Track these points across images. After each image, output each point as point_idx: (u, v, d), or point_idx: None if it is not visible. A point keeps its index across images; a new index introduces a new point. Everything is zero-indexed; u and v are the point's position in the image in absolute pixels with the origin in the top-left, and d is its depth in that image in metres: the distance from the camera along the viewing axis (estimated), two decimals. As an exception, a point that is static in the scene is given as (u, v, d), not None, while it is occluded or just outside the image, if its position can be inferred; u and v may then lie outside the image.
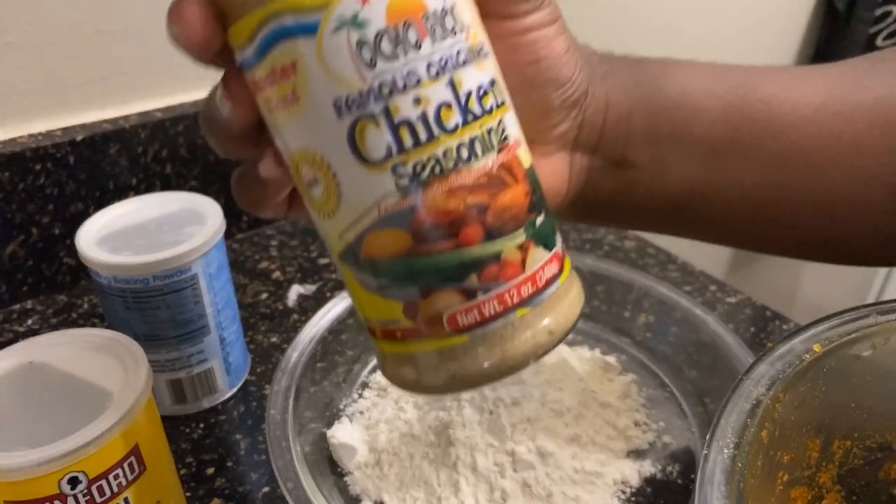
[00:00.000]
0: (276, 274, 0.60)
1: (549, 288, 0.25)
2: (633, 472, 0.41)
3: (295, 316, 0.55)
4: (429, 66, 0.22)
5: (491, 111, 0.24)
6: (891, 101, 0.32)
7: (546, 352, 0.26)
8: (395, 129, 0.22)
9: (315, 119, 0.23)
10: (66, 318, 0.54)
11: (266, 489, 0.41)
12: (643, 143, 0.33)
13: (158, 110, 0.59)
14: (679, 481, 0.41)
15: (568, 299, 0.27)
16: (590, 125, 0.32)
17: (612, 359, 0.49)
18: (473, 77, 0.23)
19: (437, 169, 0.22)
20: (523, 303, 0.24)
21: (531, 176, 0.25)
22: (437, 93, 0.22)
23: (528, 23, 0.28)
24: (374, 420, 0.43)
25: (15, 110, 0.54)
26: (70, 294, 0.57)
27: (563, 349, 0.49)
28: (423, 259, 0.23)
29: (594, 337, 0.52)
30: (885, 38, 1.15)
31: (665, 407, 0.46)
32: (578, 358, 0.49)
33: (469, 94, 0.23)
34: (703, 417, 0.44)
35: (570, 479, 0.39)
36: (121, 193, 0.57)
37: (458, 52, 0.23)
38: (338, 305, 0.47)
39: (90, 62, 0.55)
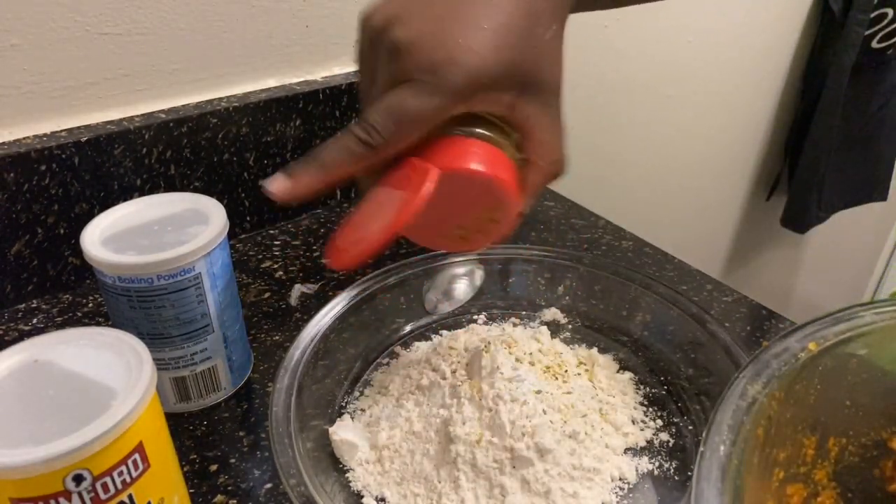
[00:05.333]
0: (279, 273, 0.60)
1: None
2: (631, 469, 0.41)
3: (297, 314, 0.55)
4: None
5: None
6: None
7: None
8: None
9: None
10: (70, 317, 0.55)
11: (269, 485, 0.41)
12: None
13: (162, 112, 0.59)
14: (676, 478, 0.42)
15: None
16: None
17: (609, 357, 0.50)
18: None
19: None
20: None
21: None
22: None
23: None
24: (375, 417, 0.44)
25: (20, 111, 0.54)
26: (75, 293, 0.57)
27: (561, 347, 0.50)
28: None
29: (592, 335, 0.53)
30: (879, 41, 1.15)
31: (662, 404, 0.47)
32: (577, 356, 0.49)
33: None
34: (700, 415, 0.45)
35: (569, 475, 0.39)
36: (125, 194, 0.57)
37: None
38: (339, 304, 0.48)
39: (94, 64, 0.56)
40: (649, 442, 0.44)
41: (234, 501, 0.40)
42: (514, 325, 0.53)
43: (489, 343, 0.45)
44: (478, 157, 0.36)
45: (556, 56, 0.36)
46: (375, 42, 0.35)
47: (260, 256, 0.63)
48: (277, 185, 0.35)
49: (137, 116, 0.58)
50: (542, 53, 0.35)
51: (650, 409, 0.46)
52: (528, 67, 0.34)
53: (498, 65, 0.33)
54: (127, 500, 0.30)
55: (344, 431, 0.42)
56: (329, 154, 0.35)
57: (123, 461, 0.29)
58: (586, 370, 0.48)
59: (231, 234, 0.58)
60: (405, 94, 0.33)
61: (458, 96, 0.33)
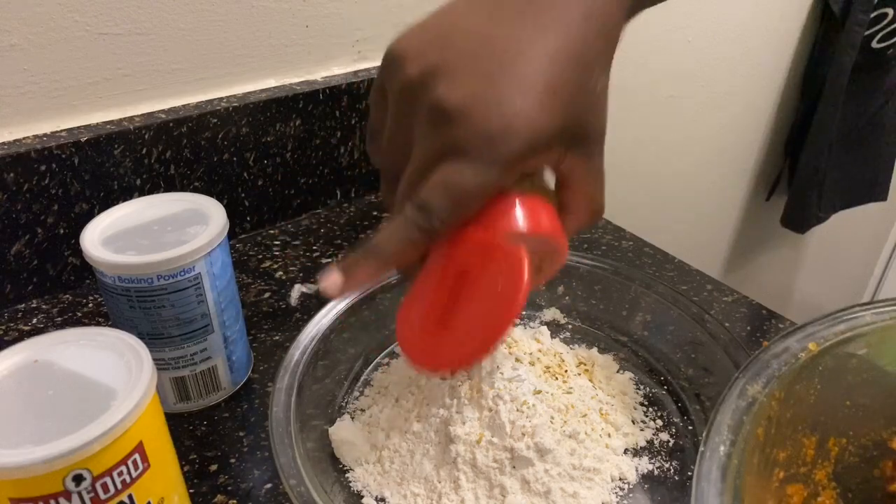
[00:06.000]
0: (279, 273, 0.60)
1: None
2: (631, 469, 0.41)
3: (297, 314, 0.55)
4: None
5: None
6: None
7: None
8: None
9: None
10: (70, 317, 0.55)
11: (269, 486, 0.41)
12: None
13: (162, 112, 0.59)
14: (676, 478, 0.42)
15: None
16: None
17: (609, 357, 0.50)
18: None
19: None
20: None
21: None
22: None
23: None
24: (375, 417, 0.44)
25: (20, 111, 0.54)
26: (75, 293, 0.57)
27: (561, 347, 0.50)
28: None
29: (592, 335, 0.53)
30: (879, 41, 1.15)
31: (662, 405, 0.47)
32: (576, 356, 0.49)
33: None
34: (700, 415, 0.45)
35: (569, 475, 0.39)
36: (125, 194, 0.57)
37: None
38: (339, 304, 0.48)
39: (94, 64, 0.56)
40: (649, 442, 0.44)
41: (234, 501, 0.40)
42: (514, 324, 0.53)
43: (489, 343, 0.45)
44: (536, 217, 0.34)
45: (603, 106, 0.34)
46: (411, 95, 0.32)
47: (260, 256, 0.63)
48: (331, 285, 0.33)
49: (137, 116, 0.58)
50: (591, 106, 0.33)
51: (650, 409, 0.46)
52: (577, 123, 0.32)
53: (552, 127, 0.31)
54: (127, 500, 0.30)
55: (344, 431, 0.42)
56: (387, 245, 0.32)
57: (123, 461, 0.29)
58: (586, 370, 0.48)
59: (231, 234, 0.58)
60: (462, 171, 0.30)
61: (516, 166, 0.31)
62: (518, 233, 0.33)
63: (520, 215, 0.33)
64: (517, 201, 0.33)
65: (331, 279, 0.33)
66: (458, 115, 0.30)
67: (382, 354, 0.50)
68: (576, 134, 0.32)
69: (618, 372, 0.49)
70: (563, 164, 0.33)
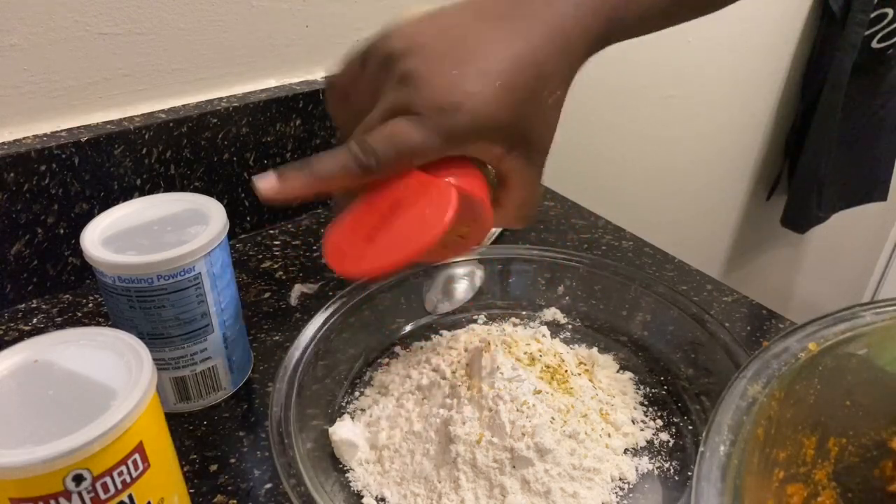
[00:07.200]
0: (279, 273, 0.60)
1: None
2: (631, 469, 0.41)
3: (297, 314, 0.55)
4: None
5: None
6: None
7: None
8: None
9: None
10: (70, 317, 0.55)
11: (269, 486, 0.41)
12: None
13: (162, 112, 0.59)
14: (676, 478, 0.42)
15: None
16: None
17: (609, 357, 0.50)
18: None
19: None
20: None
21: None
22: None
23: None
24: (375, 417, 0.44)
25: (20, 111, 0.54)
26: (75, 293, 0.57)
27: (561, 347, 0.50)
28: None
29: (592, 335, 0.53)
30: (879, 41, 1.15)
31: (662, 404, 0.47)
32: (576, 356, 0.49)
33: None
34: (700, 415, 0.45)
35: (569, 475, 0.39)
36: (125, 194, 0.57)
37: None
38: (339, 304, 0.48)
39: (94, 64, 0.56)
40: (649, 442, 0.44)
41: (234, 501, 0.40)
42: (514, 325, 0.53)
43: (489, 343, 0.45)
44: (471, 181, 0.37)
45: (552, 121, 0.37)
46: (387, 63, 0.36)
47: (260, 256, 0.63)
48: (266, 184, 0.36)
49: (137, 116, 0.58)
50: (540, 117, 0.36)
51: (650, 409, 0.46)
52: (523, 127, 0.36)
53: (499, 121, 0.35)
54: (127, 500, 0.30)
55: (344, 431, 0.42)
56: (324, 166, 0.36)
57: (123, 461, 0.29)
58: (586, 370, 0.48)
59: (231, 234, 0.58)
60: (409, 128, 0.34)
61: (457, 141, 0.35)
62: (452, 183, 0.36)
63: (457, 172, 0.37)
64: (459, 162, 0.37)
65: (268, 181, 0.36)
66: (420, 82, 0.34)
67: (382, 354, 0.51)
68: (520, 136, 0.36)
69: (618, 372, 0.49)
70: (503, 163, 0.37)
